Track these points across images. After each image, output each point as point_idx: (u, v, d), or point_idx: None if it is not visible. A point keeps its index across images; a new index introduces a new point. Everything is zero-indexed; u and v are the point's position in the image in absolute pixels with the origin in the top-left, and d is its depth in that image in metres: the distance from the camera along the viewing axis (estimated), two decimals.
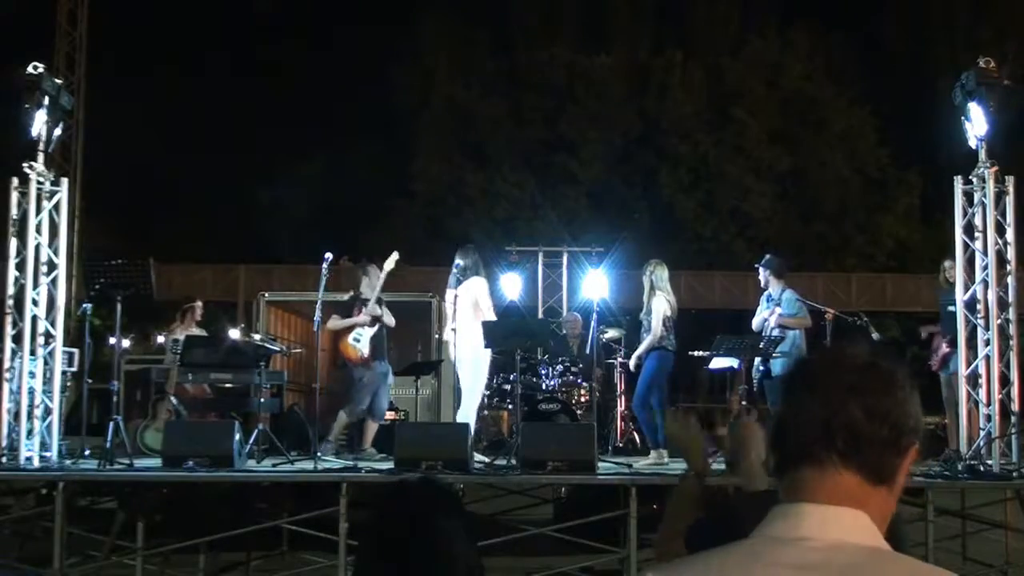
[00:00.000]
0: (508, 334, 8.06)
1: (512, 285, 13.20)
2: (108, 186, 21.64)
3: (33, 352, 7.31)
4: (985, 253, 7.30)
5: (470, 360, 8.16)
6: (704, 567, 1.25)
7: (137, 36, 25.98)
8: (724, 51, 27.46)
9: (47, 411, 7.35)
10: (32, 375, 7.25)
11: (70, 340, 9.00)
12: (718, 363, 9.24)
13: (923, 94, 22.91)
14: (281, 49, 27.26)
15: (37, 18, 18.29)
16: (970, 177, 7.40)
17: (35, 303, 7.34)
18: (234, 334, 11.29)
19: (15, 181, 7.41)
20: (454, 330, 7.98)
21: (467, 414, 8.10)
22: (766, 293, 8.66)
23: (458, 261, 8.29)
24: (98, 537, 7.16)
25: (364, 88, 27.19)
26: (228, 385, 9.32)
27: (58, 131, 7.75)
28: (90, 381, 7.73)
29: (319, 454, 7.42)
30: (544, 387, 9.93)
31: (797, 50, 27.38)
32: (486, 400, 9.86)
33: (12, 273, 7.32)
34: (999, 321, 7.24)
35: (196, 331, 9.86)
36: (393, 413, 9.30)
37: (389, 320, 8.58)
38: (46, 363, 7.42)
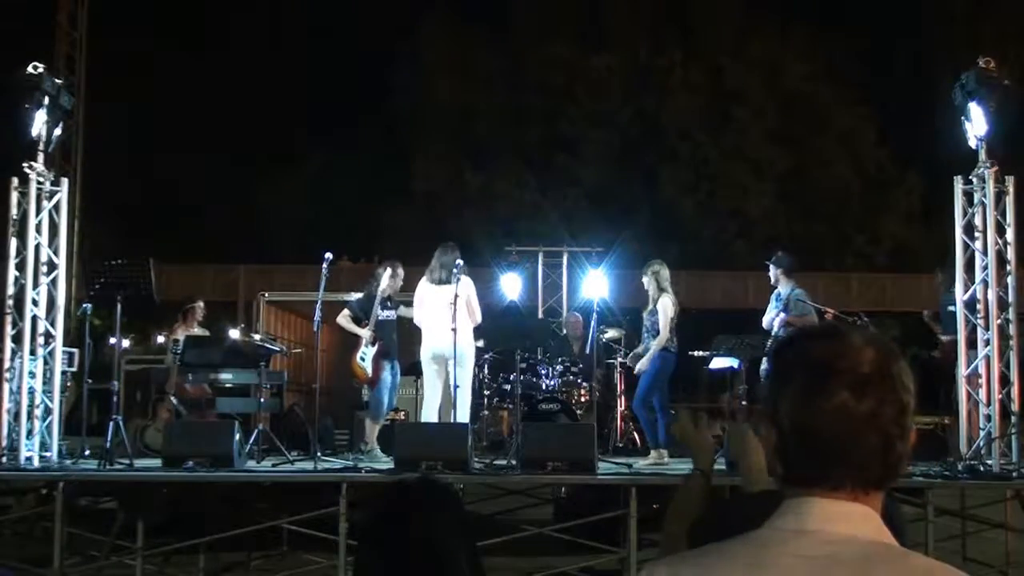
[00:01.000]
0: (508, 334, 8.07)
1: (512, 285, 13.19)
2: (108, 186, 21.62)
3: (33, 352, 7.31)
4: (985, 253, 7.30)
5: (471, 358, 8.22)
6: (715, 558, 1.26)
7: (137, 36, 25.98)
8: (724, 51, 27.46)
9: (47, 411, 7.35)
10: (32, 375, 7.26)
11: (70, 340, 9.00)
12: (718, 363, 9.24)
13: (923, 94, 22.90)
14: (281, 49, 27.27)
15: (37, 18, 18.28)
16: (970, 177, 7.40)
17: (35, 303, 7.34)
18: (234, 334, 11.29)
19: (15, 181, 7.41)
20: (454, 330, 7.95)
21: (466, 413, 8.13)
22: (775, 291, 8.62)
23: (457, 260, 8.22)
24: (98, 537, 7.16)
25: (364, 88, 27.20)
26: (228, 385, 9.33)
27: (58, 131, 7.76)
28: (90, 381, 7.73)
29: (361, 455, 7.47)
30: (544, 387, 9.92)
31: (797, 50, 27.37)
32: (486, 400, 9.88)
33: (12, 273, 7.32)
34: (999, 321, 7.24)
35: (198, 331, 9.87)
36: (393, 413, 9.30)
37: (406, 312, 8.60)
38: (46, 363, 7.42)
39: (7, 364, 7.30)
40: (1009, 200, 7.33)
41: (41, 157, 7.43)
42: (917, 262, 24.37)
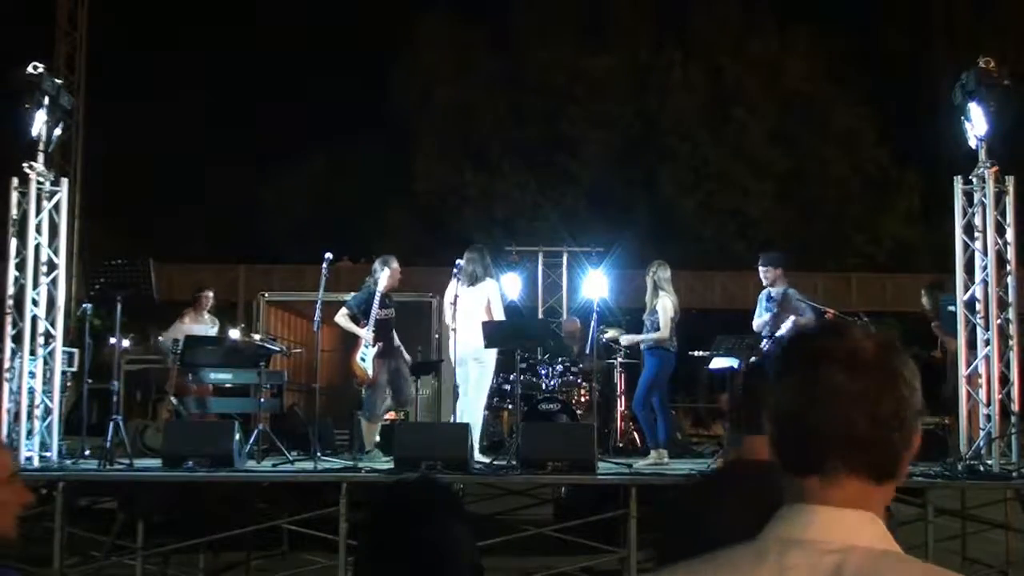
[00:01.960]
0: (508, 334, 8.06)
1: (512, 285, 13.19)
2: (108, 186, 21.62)
3: (33, 352, 7.31)
4: (985, 253, 7.30)
5: (489, 359, 8.22)
6: (712, 568, 1.25)
7: (137, 36, 25.98)
8: (724, 51, 27.45)
9: (47, 411, 7.35)
10: (32, 375, 7.26)
11: (70, 340, 9.00)
12: (718, 363, 9.24)
13: (923, 94, 22.91)
14: (281, 48, 27.26)
15: (37, 18, 18.28)
16: (970, 177, 7.40)
17: (35, 303, 7.35)
18: (234, 334, 11.28)
19: (15, 181, 7.41)
20: (454, 330, 7.95)
21: (478, 414, 8.13)
22: (765, 292, 8.61)
23: (476, 261, 8.24)
24: (98, 537, 7.16)
25: (364, 88, 27.20)
26: (228, 385, 9.34)
27: (58, 131, 7.76)
28: (90, 381, 7.74)
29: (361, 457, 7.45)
30: (544, 387, 9.92)
31: (797, 50, 27.37)
32: (486, 400, 9.87)
33: (12, 273, 7.32)
34: (999, 321, 7.24)
35: (207, 318, 9.95)
36: (393, 413, 9.29)
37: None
38: (46, 363, 7.43)
39: (7, 364, 7.30)
40: (1009, 200, 7.33)
41: (41, 157, 7.43)
42: (917, 262, 24.38)
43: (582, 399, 10.07)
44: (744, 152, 26.58)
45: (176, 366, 9.03)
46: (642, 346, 8.36)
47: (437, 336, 10.63)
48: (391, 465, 7.23)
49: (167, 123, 25.52)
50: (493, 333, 7.84)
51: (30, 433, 7.18)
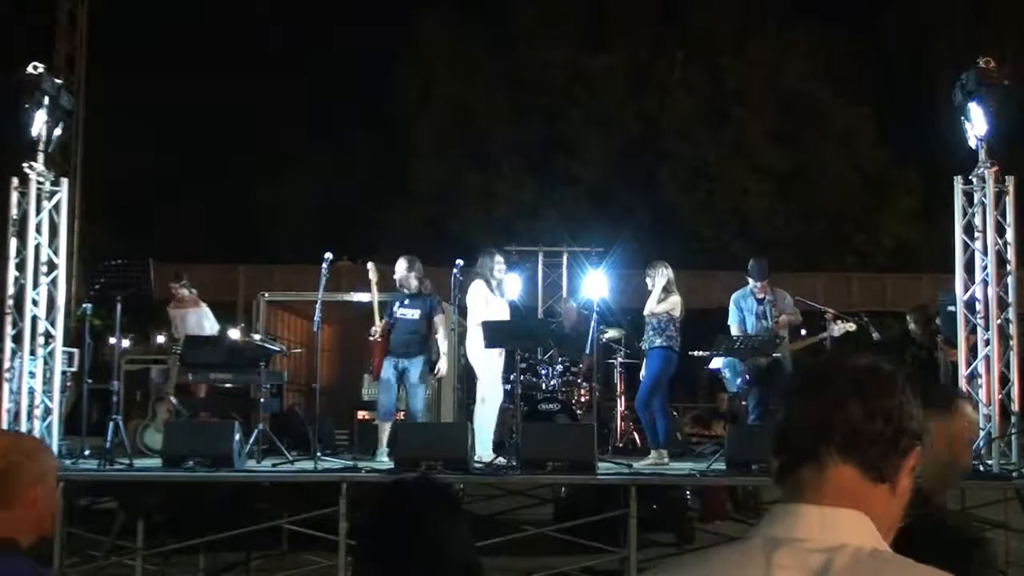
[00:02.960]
0: (508, 334, 8.06)
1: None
2: (108, 186, 21.62)
3: (33, 352, 7.31)
4: (985, 253, 7.30)
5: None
6: (703, 568, 1.25)
7: (137, 36, 25.98)
8: (724, 51, 27.46)
9: (47, 411, 7.35)
10: (32, 375, 7.26)
11: (70, 340, 9.00)
12: (718, 363, 9.24)
13: (923, 94, 22.91)
14: (281, 49, 27.28)
15: (37, 18, 18.27)
16: (970, 177, 7.40)
17: (35, 303, 7.35)
18: (234, 334, 11.28)
19: (15, 181, 7.41)
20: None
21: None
22: (752, 297, 8.66)
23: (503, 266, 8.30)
24: (98, 537, 7.16)
25: (364, 88, 27.20)
26: (228, 385, 9.32)
27: (58, 131, 7.75)
28: (90, 381, 7.73)
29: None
30: (544, 387, 9.92)
31: (797, 50, 27.38)
32: None
33: (12, 273, 7.32)
34: (999, 321, 7.24)
35: (189, 300, 9.92)
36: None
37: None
38: (46, 363, 7.42)
39: (7, 364, 7.30)
40: (1009, 200, 7.33)
41: (41, 157, 7.43)
42: (917, 262, 24.40)
43: (582, 399, 10.07)
44: (744, 152, 26.58)
45: (177, 365, 9.04)
46: (645, 345, 8.35)
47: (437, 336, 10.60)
48: (391, 465, 7.23)
49: (167, 123, 25.53)
50: (493, 333, 7.84)
51: (30, 433, 7.17)
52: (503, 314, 8.16)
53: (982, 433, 7.14)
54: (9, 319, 7.29)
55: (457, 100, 27.56)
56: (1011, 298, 7.30)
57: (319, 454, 7.41)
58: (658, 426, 8.09)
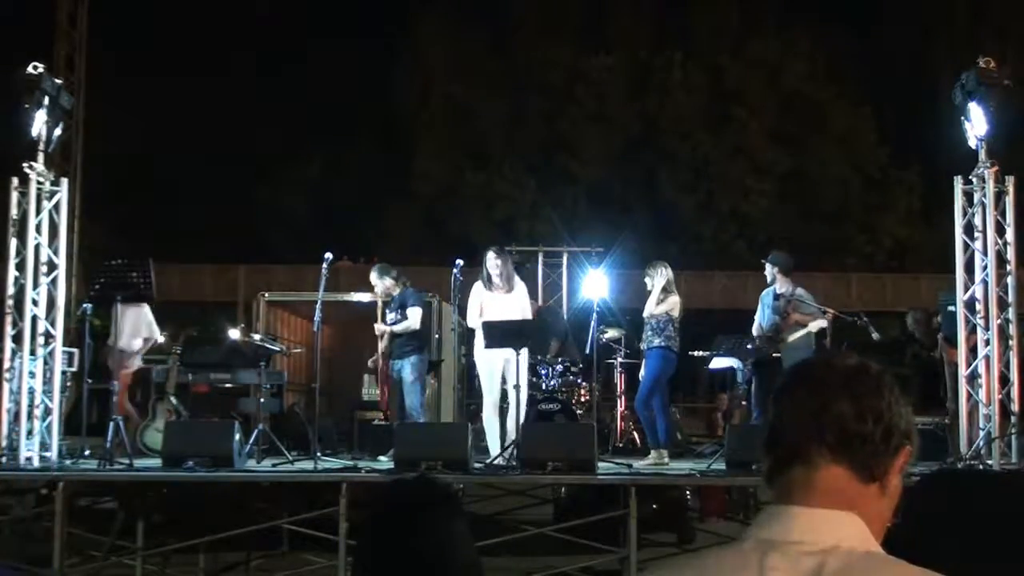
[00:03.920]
0: (506, 334, 8.05)
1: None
2: (108, 186, 21.63)
3: (33, 352, 7.30)
4: (985, 253, 7.29)
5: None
6: (696, 570, 1.26)
7: (137, 36, 25.98)
8: (724, 51, 27.46)
9: (47, 411, 7.35)
10: (32, 375, 7.25)
11: (70, 340, 8.99)
12: (718, 363, 9.24)
13: (923, 94, 22.91)
14: (281, 49, 27.27)
15: (37, 18, 18.28)
16: (970, 177, 7.40)
17: (35, 303, 7.34)
18: (234, 334, 11.29)
19: (15, 181, 7.41)
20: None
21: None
22: (770, 291, 8.60)
23: (507, 265, 8.28)
24: (98, 537, 7.16)
25: (364, 88, 27.19)
26: (228, 385, 9.33)
27: (58, 131, 7.75)
28: (90, 381, 7.72)
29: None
30: (544, 387, 9.92)
31: (797, 50, 27.38)
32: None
33: (12, 273, 7.31)
34: (999, 321, 7.24)
35: None
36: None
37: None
38: (46, 363, 7.42)
39: (7, 364, 7.30)
40: (1009, 200, 7.33)
41: (41, 157, 7.42)
42: (917, 262, 24.42)
43: (582, 399, 10.06)
44: (744, 152, 26.58)
45: (177, 365, 9.04)
46: (644, 345, 8.35)
47: (437, 336, 10.63)
48: (391, 465, 7.23)
49: (167, 123, 25.53)
50: (493, 333, 7.83)
51: (30, 433, 7.17)
52: (508, 309, 8.11)
53: (982, 433, 7.15)
54: (9, 319, 7.29)
55: (457, 100, 27.56)
56: (1011, 298, 7.30)
57: (319, 454, 7.41)
58: (658, 426, 8.08)
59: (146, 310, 9.34)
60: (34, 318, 7.34)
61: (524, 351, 7.69)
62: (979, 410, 7.25)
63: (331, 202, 27.15)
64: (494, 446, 7.94)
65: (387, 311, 8.48)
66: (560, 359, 10.14)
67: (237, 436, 7.15)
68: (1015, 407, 7.17)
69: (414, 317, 8.38)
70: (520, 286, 8.19)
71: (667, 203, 26.76)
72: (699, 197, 26.96)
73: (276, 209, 27.64)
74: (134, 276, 7.59)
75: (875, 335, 9.10)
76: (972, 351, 7.37)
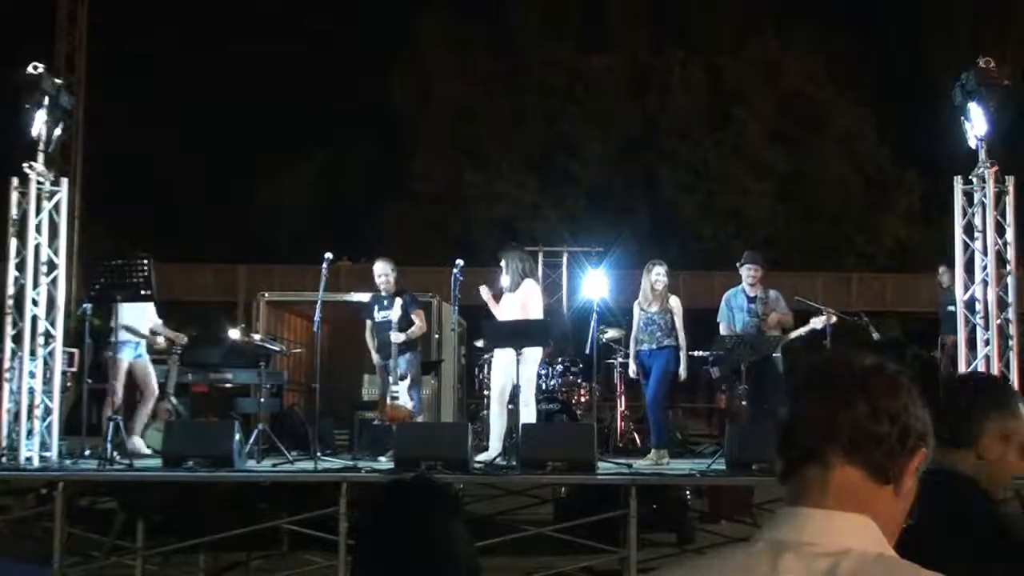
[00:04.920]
0: (507, 334, 8.04)
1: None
2: (108, 186, 21.62)
3: (33, 352, 7.30)
4: (985, 253, 7.30)
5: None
6: (709, 571, 1.25)
7: (137, 36, 25.97)
8: (724, 51, 27.47)
9: (47, 411, 7.35)
10: (32, 375, 7.25)
11: (70, 340, 8.99)
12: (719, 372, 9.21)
13: (923, 94, 22.91)
14: (281, 49, 27.27)
15: (37, 18, 18.28)
16: (970, 177, 7.40)
17: (35, 303, 7.34)
18: (234, 334, 11.28)
19: (15, 181, 7.41)
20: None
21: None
22: (743, 295, 8.58)
23: (517, 263, 8.24)
24: (98, 537, 7.16)
25: (364, 88, 27.19)
26: (228, 385, 9.33)
27: (58, 131, 7.75)
28: (90, 381, 7.72)
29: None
30: (544, 387, 9.91)
31: (797, 50, 27.38)
32: (486, 400, 9.86)
33: (12, 273, 7.32)
34: (999, 321, 7.24)
35: None
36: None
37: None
38: (46, 363, 7.42)
39: (7, 364, 7.30)
40: (1009, 200, 7.33)
41: (41, 157, 7.42)
42: (917, 262, 24.38)
43: (582, 399, 10.06)
44: (744, 152, 26.59)
45: (177, 365, 9.04)
46: (653, 345, 8.32)
47: (437, 336, 10.63)
48: (391, 465, 7.23)
49: (167, 123, 25.53)
50: (493, 333, 7.84)
51: (30, 433, 7.17)
52: (509, 309, 8.10)
53: None
54: (9, 319, 7.29)
55: (457, 100, 27.56)
56: (1011, 298, 7.30)
57: (319, 454, 7.41)
58: (662, 426, 8.09)
59: (150, 308, 9.39)
60: (34, 318, 7.34)
61: (525, 351, 7.68)
62: None
63: (331, 202, 27.15)
64: (496, 444, 7.94)
65: (375, 307, 8.43)
66: (560, 359, 10.14)
67: (237, 436, 7.14)
68: None
69: (421, 321, 8.41)
70: (526, 285, 8.14)
71: (667, 203, 26.77)
72: (699, 197, 26.97)
73: (276, 209, 27.65)
74: (134, 276, 7.58)
75: (875, 335, 9.10)
76: (972, 351, 7.38)
